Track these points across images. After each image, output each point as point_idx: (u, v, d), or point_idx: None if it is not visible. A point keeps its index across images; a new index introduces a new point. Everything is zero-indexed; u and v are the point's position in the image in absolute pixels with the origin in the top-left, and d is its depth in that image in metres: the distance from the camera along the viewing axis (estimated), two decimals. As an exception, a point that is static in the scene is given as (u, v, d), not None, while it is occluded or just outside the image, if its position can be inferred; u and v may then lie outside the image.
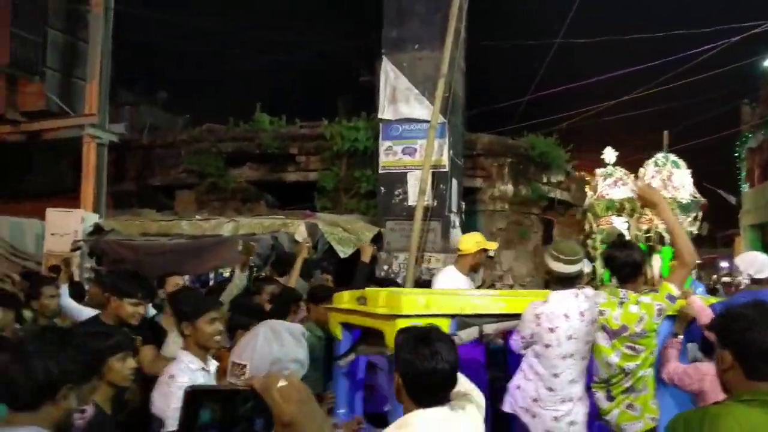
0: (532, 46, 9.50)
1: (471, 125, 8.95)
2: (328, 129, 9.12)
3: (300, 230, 7.33)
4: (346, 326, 3.23)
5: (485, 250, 4.49)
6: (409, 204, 7.87)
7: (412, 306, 2.66)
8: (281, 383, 0.84)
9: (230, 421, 0.86)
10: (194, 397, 0.85)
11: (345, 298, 3.22)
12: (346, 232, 7.71)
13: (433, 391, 1.63)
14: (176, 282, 4.99)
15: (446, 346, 1.66)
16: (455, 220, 8.00)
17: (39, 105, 7.90)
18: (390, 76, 7.92)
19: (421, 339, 1.66)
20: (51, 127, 8.08)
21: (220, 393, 0.89)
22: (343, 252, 7.37)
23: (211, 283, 7.53)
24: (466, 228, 8.49)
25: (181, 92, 16.55)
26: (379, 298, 2.79)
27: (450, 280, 4.30)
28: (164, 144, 9.89)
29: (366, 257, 5.20)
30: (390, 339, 2.42)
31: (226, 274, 8.15)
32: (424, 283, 6.06)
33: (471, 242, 4.46)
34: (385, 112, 7.99)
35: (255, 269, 7.13)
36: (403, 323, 2.35)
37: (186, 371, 2.33)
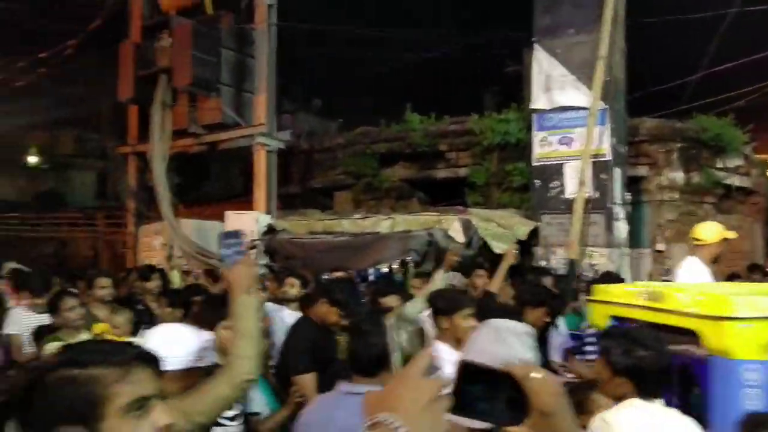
0: (701, 18, 8.63)
1: (633, 109, 8.36)
2: (477, 123, 9.05)
3: (454, 226, 7.38)
4: (618, 320, 3.17)
5: (727, 240, 4.27)
6: (567, 197, 7.58)
7: (748, 308, 2.51)
8: (536, 374, 0.87)
9: (493, 398, 0.94)
10: (466, 368, 0.97)
11: (617, 292, 3.18)
12: (501, 228, 7.61)
13: None
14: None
15: None
16: (619, 212, 7.54)
17: (216, 118, 8.76)
18: (543, 64, 7.67)
19: None
20: (226, 138, 8.94)
21: (487, 371, 0.97)
22: (499, 248, 7.26)
23: (371, 278, 7.85)
24: (632, 220, 7.98)
25: (333, 98, 17.43)
26: (683, 296, 2.71)
27: (695, 272, 4.08)
28: (322, 148, 10.49)
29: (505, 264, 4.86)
30: (715, 340, 2.39)
31: (384, 270, 8.45)
32: (591, 280, 5.76)
33: (713, 231, 4.27)
34: (539, 102, 7.76)
35: (413, 265, 7.33)
36: (732, 326, 2.32)
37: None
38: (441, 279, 4.33)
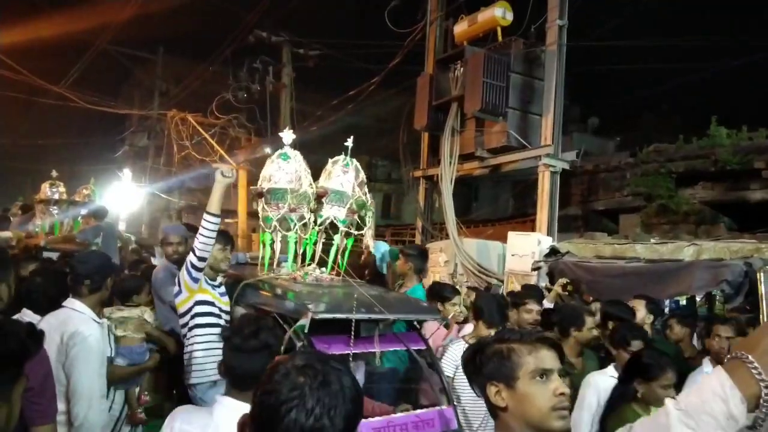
0: None
1: None
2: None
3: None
4: None
5: None
6: None
7: None
8: None
9: None
10: None
11: None
12: None
13: None
14: (638, 307, 4.94)
15: None
16: None
17: (501, 141, 9.00)
18: None
19: None
20: (510, 160, 9.11)
21: None
22: None
23: (666, 309, 7.15)
24: None
25: (611, 116, 16.57)
26: None
27: None
28: (608, 168, 10.00)
29: None
30: None
31: (683, 302, 7.64)
32: None
33: None
34: None
35: (724, 300, 6.45)
36: None
37: None
38: None
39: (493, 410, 1.67)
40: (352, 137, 4.03)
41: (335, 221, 3.90)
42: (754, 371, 0.94)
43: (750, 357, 0.96)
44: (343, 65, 12.98)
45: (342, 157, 3.98)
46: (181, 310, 3.74)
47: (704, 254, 6.73)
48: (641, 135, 13.01)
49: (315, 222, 3.89)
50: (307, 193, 3.84)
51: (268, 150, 12.71)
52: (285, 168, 3.86)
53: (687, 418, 0.95)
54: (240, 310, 3.75)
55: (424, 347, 3.56)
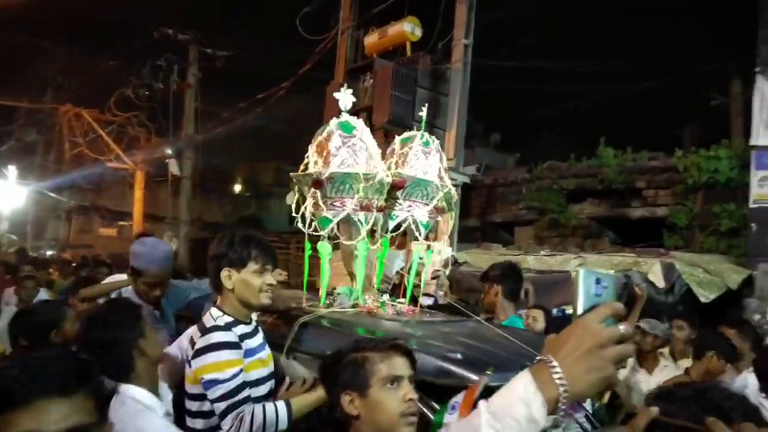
0: None
1: None
2: (682, 161, 8.40)
3: (654, 270, 6.87)
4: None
5: None
6: (792, 244, 6.70)
7: None
8: None
9: None
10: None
11: None
12: (709, 274, 6.93)
13: None
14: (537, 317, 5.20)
15: None
16: None
17: (407, 153, 9.19)
18: (766, 96, 6.94)
19: None
20: (416, 171, 9.33)
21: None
22: (705, 296, 6.65)
23: (556, 318, 7.58)
24: None
25: (512, 133, 17.39)
26: None
27: None
28: (506, 182, 10.47)
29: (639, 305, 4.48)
30: None
31: (569, 311, 8.11)
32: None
33: None
34: (759, 138, 7.01)
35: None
36: None
37: None
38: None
39: (346, 419, 1.70)
40: (426, 105, 3.23)
41: (418, 225, 2.89)
42: (555, 375, 0.94)
43: (553, 360, 0.96)
44: (253, 68, 12.76)
45: (416, 133, 3.01)
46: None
47: (589, 266, 7.21)
48: (539, 152, 13.75)
49: (383, 227, 2.81)
50: (383, 182, 2.71)
51: (168, 150, 12.22)
52: (351, 144, 2.66)
53: (494, 421, 0.95)
54: (296, 367, 2.41)
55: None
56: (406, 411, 1.65)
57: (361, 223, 2.71)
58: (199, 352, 2.12)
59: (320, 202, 2.65)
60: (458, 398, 1.72)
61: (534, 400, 0.93)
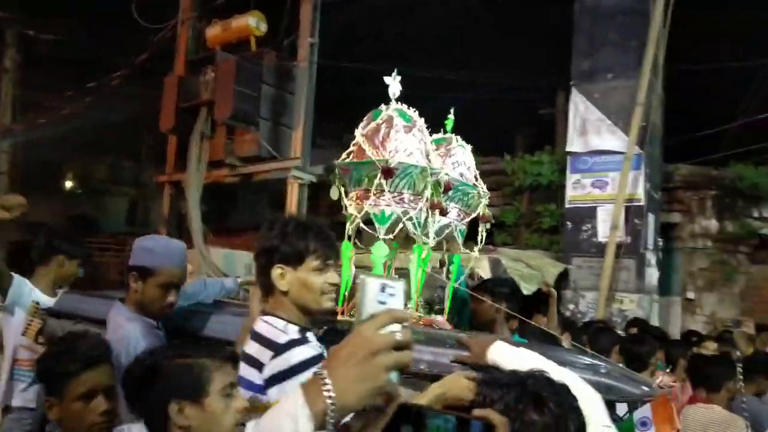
0: (741, 67, 8.64)
1: (670, 156, 8.34)
2: (510, 164, 9.10)
3: (482, 265, 7.34)
4: None
5: None
6: (599, 240, 7.52)
7: None
8: None
9: None
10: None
11: None
12: (530, 268, 7.56)
13: None
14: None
15: None
16: (651, 258, 7.45)
17: (253, 151, 8.94)
18: (579, 107, 7.73)
19: None
20: (261, 170, 9.11)
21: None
22: (527, 288, 7.21)
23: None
24: (664, 267, 7.87)
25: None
26: None
27: None
28: (353, 183, 10.60)
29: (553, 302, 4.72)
30: None
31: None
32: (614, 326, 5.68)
33: None
34: (574, 145, 7.79)
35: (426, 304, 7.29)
36: None
37: None
38: None
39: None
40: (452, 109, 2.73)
41: (455, 233, 2.60)
42: (324, 387, 0.89)
43: (324, 372, 0.91)
44: (86, 55, 11.64)
45: (450, 135, 2.72)
46: None
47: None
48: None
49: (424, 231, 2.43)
50: (441, 179, 2.38)
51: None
52: (412, 134, 2.37)
53: None
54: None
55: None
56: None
57: (419, 224, 2.35)
58: (282, 378, 1.68)
59: (387, 193, 2.29)
60: (646, 412, 1.55)
61: (301, 414, 0.88)
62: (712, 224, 8.24)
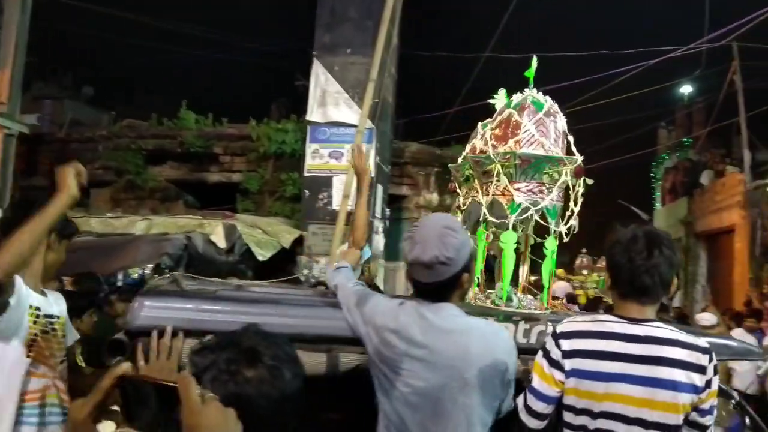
0: (462, 58, 9.68)
1: (403, 134, 9.03)
2: (255, 130, 8.95)
3: (217, 231, 7.11)
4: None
5: None
6: (333, 208, 7.81)
7: None
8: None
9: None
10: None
11: None
12: (266, 235, 7.55)
13: None
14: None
15: None
16: (378, 226, 7.99)
17: (-59, 89, 7.37)
18: (320, 78, 7.87)
19: None
20: (-48, 113, 7.55)
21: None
22: (262, 255, 7.22)
23: (119, 284, 7.17)
24: (392, 235, 8.52)
25: (109, 89, 15.96)
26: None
27: None
28: (82, 139, 9.44)
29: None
30: None
31: (135, 276, 7.80)
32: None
33: None
34: (314, 115, 7.93)
35: (166, 270, 6.86)
36: None
37: None
38: None
39: None
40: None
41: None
42: None
43: None
44: None
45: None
46: None
47: (155, 229, 7.02)
48: (137, 111, 12.94)
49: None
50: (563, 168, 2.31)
51: None
52: (542, 122, 2.30)
53: None
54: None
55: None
56: None
57: (550, 213, 2.29)
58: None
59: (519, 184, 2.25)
60: None
61: None
62: (434, 197, 9.17)
